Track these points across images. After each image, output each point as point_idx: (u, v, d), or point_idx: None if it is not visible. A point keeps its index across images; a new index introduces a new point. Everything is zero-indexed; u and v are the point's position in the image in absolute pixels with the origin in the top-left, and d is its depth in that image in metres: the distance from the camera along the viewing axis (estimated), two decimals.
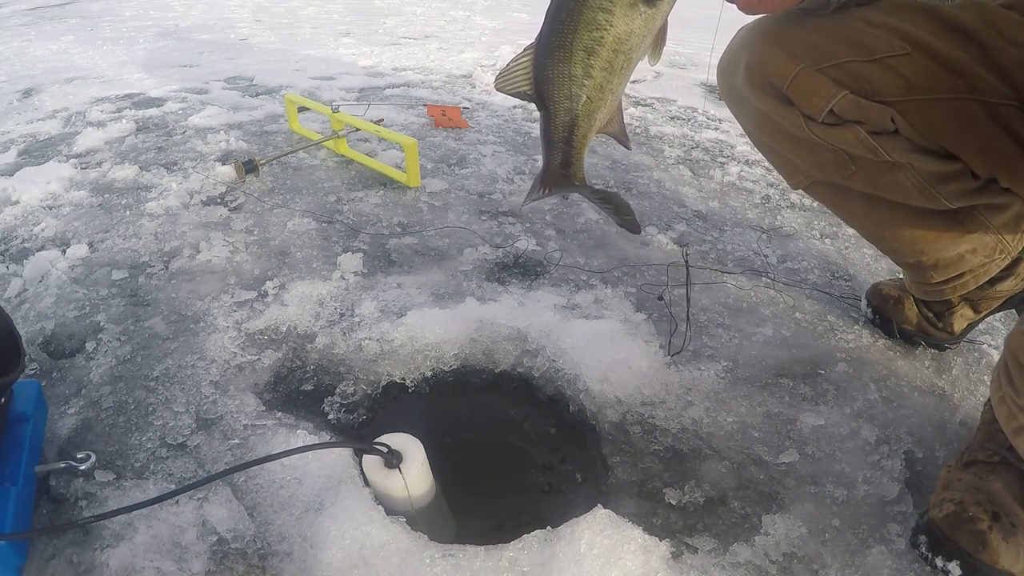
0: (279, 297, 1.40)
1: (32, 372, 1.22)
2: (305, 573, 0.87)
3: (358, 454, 1.00)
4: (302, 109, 2.28)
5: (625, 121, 0.91)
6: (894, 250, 1.22)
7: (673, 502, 1.00)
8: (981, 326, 1.34)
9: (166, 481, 0.99)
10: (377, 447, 0.94)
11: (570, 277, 1.50)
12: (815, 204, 1.89)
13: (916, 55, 0.92)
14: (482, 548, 0.88)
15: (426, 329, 1.29)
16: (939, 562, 0.89)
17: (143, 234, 1.64)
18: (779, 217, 1.84)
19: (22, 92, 2.88)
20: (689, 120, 2.64)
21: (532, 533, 0.89)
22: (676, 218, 1.80)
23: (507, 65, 0.84)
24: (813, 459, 1.07)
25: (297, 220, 1.70)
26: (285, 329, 1.31)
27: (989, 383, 1.07)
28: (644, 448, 1.09)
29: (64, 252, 1.56)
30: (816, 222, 1.82)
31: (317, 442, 1.02)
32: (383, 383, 1.24)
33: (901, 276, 1.36)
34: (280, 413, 1.12)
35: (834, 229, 1.78)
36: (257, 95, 2.75)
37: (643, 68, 2.27)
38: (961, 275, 1.17)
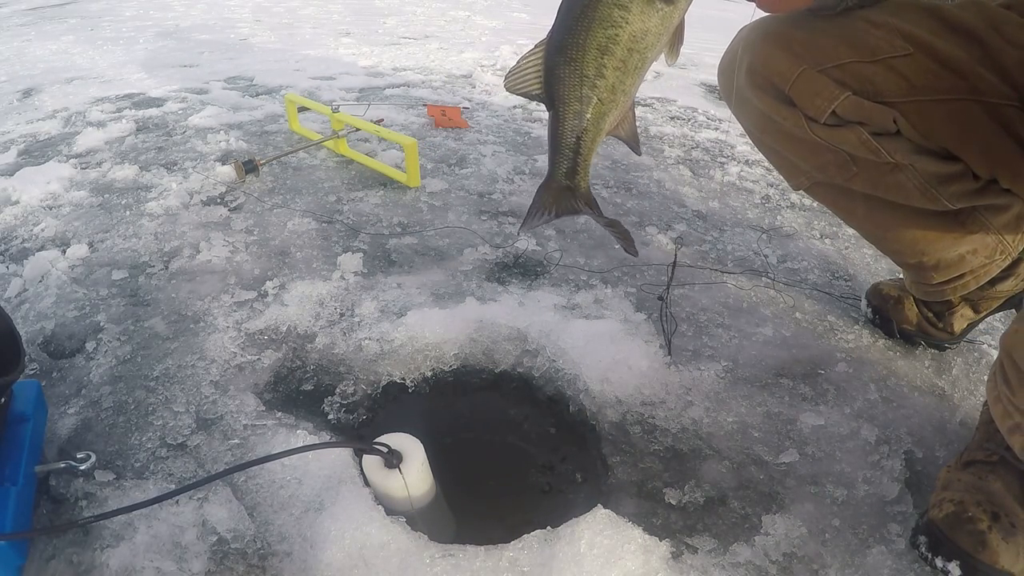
0: (279, 297, 1.40)
1: (32, 372, 1.22)
2: (305, 573, 0.87)
3: (358, 454, 1.00)
4: (302, 109, 2.28)
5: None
6: (895, 251, 1.22)
7: (673, 502, 1.00)
8: (981, 326, 1.34)
9: (166, 481, 0.99)
10: (377, 447, 0.94)
11: (570, 277, 1.50)
12: (815, 204, 1.89)
13: (918, 55, 0.92)
14: (482, 548, 0.88)
15: (426, 329, 1.29)
16: (939, 562, 0.89)
17: (143, 234, 1.64)
18: (779, 217, 1.84)
19: (22, 92, 2.88)
20: (689, 120, 2.64)
21: (532, 533, 0.89)
22: (676, 218, 1.80)
23: (517, 63, 0.81)
24: (813, 459, 1.07)
25: (297, 220, 1.70)
26: (285, 329, 1.31)
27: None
28: (644, 448, 1.09)
29: (64, 252, 1.56)
30: (816, 222, 1.82)
31: (317, 442, 1.02)
32: (383, 383, 1.24)
33: (901, 276, 1.36)
34: (280, 413, 1.12)
35: (834, 229, 1.78)
36: (257, 95, 2.75)
37: None
38: (962, 276, 1.17)
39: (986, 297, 1.24)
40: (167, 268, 1.51)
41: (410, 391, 1.26)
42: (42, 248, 1.60)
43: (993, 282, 1.20)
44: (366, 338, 1.28)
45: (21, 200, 1.83)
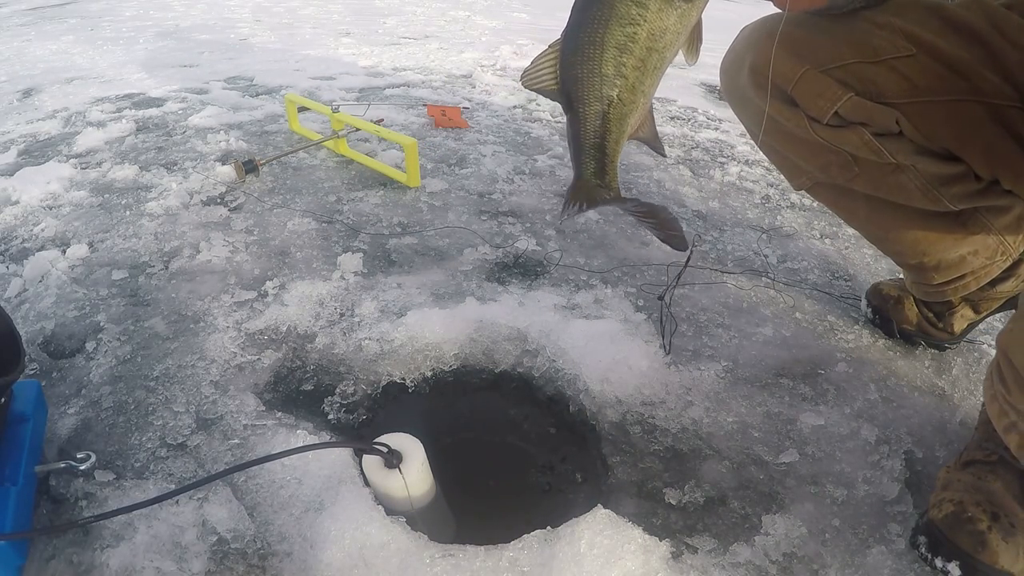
0: (279, 297, 1.40)
1: (32, 372, 1.22)
2: (305, 573, 0.87)
3: (358, 454, 1.00)
4: (302, 109, 2.28)
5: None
6: (896, 251, 1.22)
7: (673, 502, 1.00)
8: (981, 326, 1.34)
9: (166, 481, 0.99)
10: (377, 447, 0.94)
11: (570, 277, 1.50)
12: (815, 204, 1.89)
13: (921, 56, 0.92)
14: (482, 548, 0.88)
15: (426, 329, 1.29)
16: (939, 562, 0.89)
17: (143, 234, 1.64)
18: (779, 217, 1.84)
19: (22, 92, 2.88)
20: (689, 120, 2.64)
21: (532, 533, 0.89)
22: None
23: (533, 62, 0.79)
24: (813, 459, 1.07)
25: (297, 220, 1.70)
26: (285, 329, 1.31)
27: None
28: (644, 448, 1.09)
29: (64, 252, 1.56)
30: (816, 222, 1.82)
31: (317, 442, 1.02)
32: (383, 383, 1.24)
33: (901, 276, 1.36)
34: (280, 413, 1.12)
35: (834, 229, 1.78)
36: (257, 95, 2.75)
37: None
38: (963, 276, 1.17)
39: (987, 298, 1.24)
40: (167, 268, 1.51)
41: (410, 391, 1.26)
42: (42, 248, 1.60)
43: (994, 283, 1.20)
44: (366, 338, 1.28)
45: (21, 200, 1.83)
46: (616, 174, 0.83)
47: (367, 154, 2.08)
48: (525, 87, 0.80)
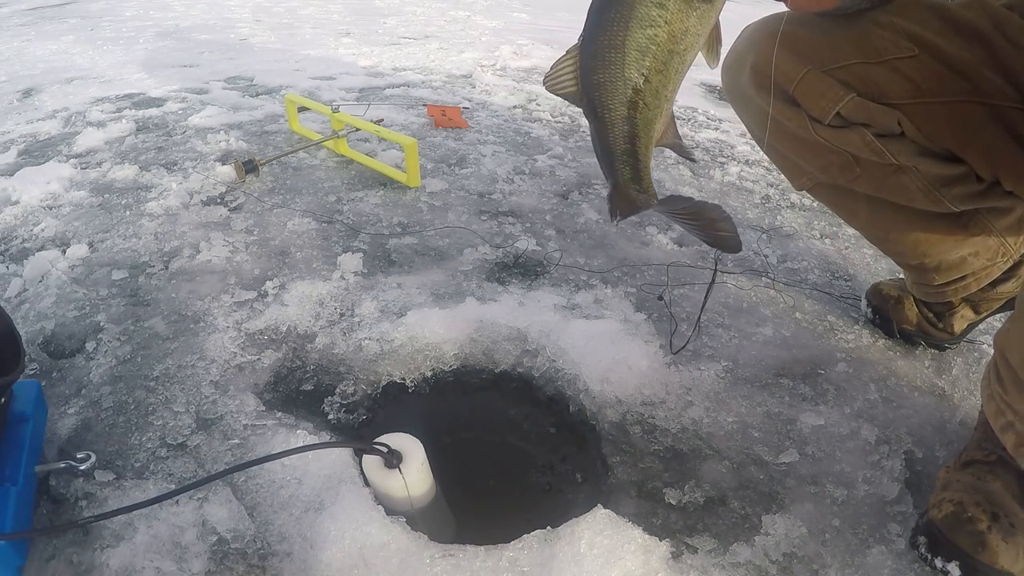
0: (279, 297, 1.40)
1: (32, 372, 1.22)
2: (305, 573, 0.87)
3: (358, 454, 1.00)
4: (302, 109, 2.28)
5: None
6: (897, 252, 1.22)
7: (673, 502, 1.00)
8: (981, 326, 1.34)
9: (166, 481, 0.99)
10: (377, 447, 0.94)
11: (570, 277, 1.50)
12: (815, 204, 1.89)
13: (923, 57, 0.92)
14: (482, 548, 0.88)
15: (426, 329, 1.29)
16: (938, 563, 0.89)
17: (143, 234, 1.64)
18: (779, 217, 1.84)
19: (22, 92, 2.88)
20: (689, 120, 2.64)
21: (532, 533, 0.89)
22: None
23: (552, 67, 0.77)
24: (813, 459, 1.07)
25: (297, 220, 1.70)
26: (285, 329, 1.31)
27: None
28: (644, 448, 1.09)
29: (64, 252, 1.56)
30: (816, 222, 1.82)
31: (317, 442, 1.02)
32: (383, 383, 1.24)
33: (901, 276, 1.36)
34: (280, 413, 1.12)
35: (834, 229, 1.78)
36: (257, 95, 2.75)
37: None
38: (963, 277, 1.17)
39: (987, 298, 1.24)
40: (167, 268, 1.51)
41: (410, 391, 1.26)
42: (42, 248, 1.60)
43: (994, 284, 1.20)
44: (366, 338, 1.28)
45: (21, 200, 1.83)
46: (651, 180, 0.81)
47: (367, 154, 2.08)
48: (548, 91, 0.78)
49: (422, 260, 1.56)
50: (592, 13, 0.72)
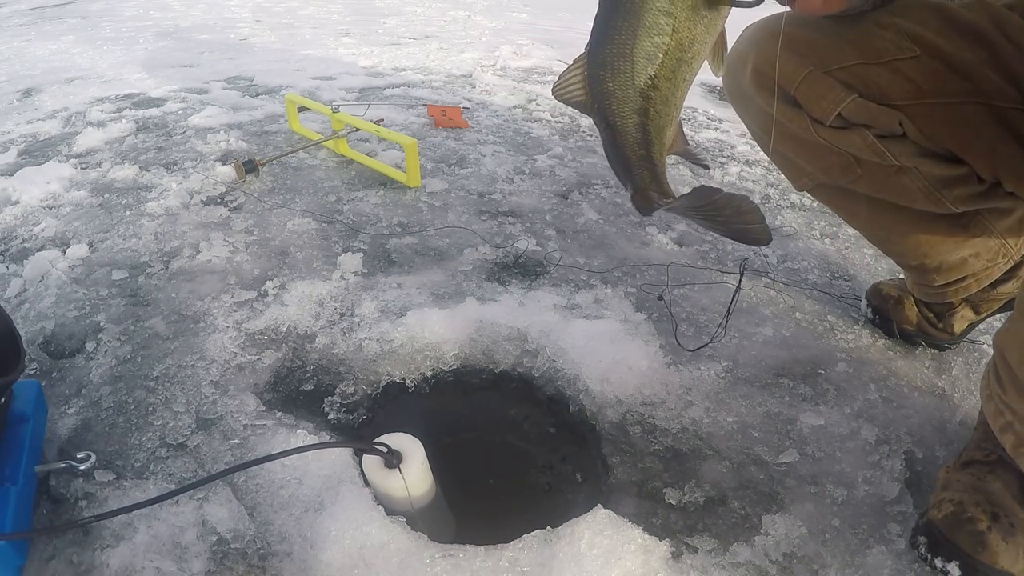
0: (279, 297, 1.40)
1: (32, 372, 1.22)
2: (305, 573, 0.87)
3: (358, 454, 1.00)
4: (302, 109, 2.28)
5: None
6: (897, 252, 1.22)
7: (673, 502, 1.00)
8: (981, 326, 1.34)
9: (166, 481, 0.99)
10: (377, 447, 0.94)
11: (570, 277, 1.50)
12: (815, 204, 1.89)
13: (925, 58, 0.92)
14: (482, 548, 0.88)
15: (426, 329, 1.29)
16: (938, 563, 0.89)
17: (143, 234, 1.64)
18: (779, 217, 1.84)
19: (22, 92, 2.88)
20: (689, 120, 2.64)
21: (532, 533, 0.89)
22: (676, 218, 1.79)
23: (561, 76, 0.76)
24: (813, 459, 1.07)
25: (297, 220, 1.70)
26: (285, 329, 1.31)
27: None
28: (644, 448, 1.09)
29: (64, 252, 1.56)
30: (816, 222, 1.82)
31: (317, 442, 1.02)
32: (383, 383, 1.24)
33: (901, 276, 1.36)
34: (280, 413, 1.12)
35: (834, 229, 1.78)
36: (257, 95, 2.75)
37: None
38: (964, 278, 1.17)
39: (987, 299, 1.24)
40: (167, 268, 1.51)
41: (410, 391, 1.26)
42: (42, 248, 1.60)
43: (995, 284, 1.20)
44: (366, 338, 1.28)
45: (21, 200, 1.83)
46: (669, 186, 0.80)
47: (367, 154, 2.08)
48: (557, 100, 0.78)
49: (422, 260, 1.56)
50: (598, 22, 0.71)
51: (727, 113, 2.69)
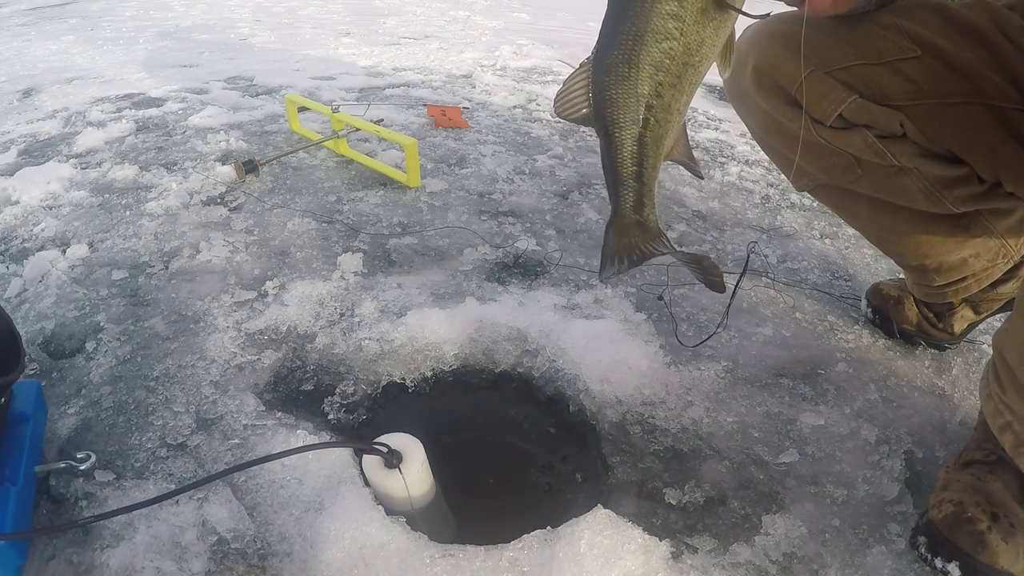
0: (279, 297, 1.40)
1: (32, 372, 1.22)
2: (305, 573, 0.87)
3: (358, 454, 1.00)
4: (302, 109, 2.28)
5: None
6: (898, 253, 1.22)
7: (673, 502, 1.00)
8: (981, 326, 1.34)
9: (166, 481, 0.99)
10: (377, 447, 0.94)
11: (570, 277, 1.50)
12: (815, 204, 1.89)
13: (926, 58, 0.92)
14: (482, 548, 0.88)
15: (426, 329, 1.29)
16: (938, 563, 0.89)
17: (143, 234, 1.64)
18: (779, 217, 1.84)
19: (22, 92, 2.88)
20: (689, 120, 2.64)
21: (532, 533, 0.89)
22: (676, 218, 1.80)
23: (564, 87, 0.74)
24: (813, 459, 1.07)
25: (297, 220, 1.70)
26: (285, 329, 1.31)
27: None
28: (644, 448, 1.09)
29: (64, 252, 1.56)
30: (816, 222, 1.82)
31: (317, 442, 1.02)
32: (383, 383, 1.24)
33: (901, 276, 1.36)
34: (280, 413, 1.12)
35: (834, 229, 1.78)
36: (257, 95, 2.75)
37: None
38: (964, 279, 1.17)
39: (987, 299, 1.24)
40: (167, 268, 1.51)
41: (410, 391, 1.26)
42: (42, 248, 1.60)
43: (994, 285, 1.20)
44: (366, 338, 1.28)
45: (21, 200, 1.83)
46: (654, 205, 0.80)
47: (367, 154, 2.08)
48: (559, 116, 0.76)
49: (422, 260, 1.56)
50: (605, 26, 0.70)
51: (727, 113, 2.69)
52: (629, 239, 0.83)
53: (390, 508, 0.94)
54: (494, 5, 5.34)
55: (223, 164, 2.00)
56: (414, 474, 0.95)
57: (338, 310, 1.37)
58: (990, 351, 1.33)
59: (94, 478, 0.98)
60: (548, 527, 0.90)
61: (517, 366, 1.27)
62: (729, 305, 1.17)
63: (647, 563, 0.87)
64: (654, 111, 0.71)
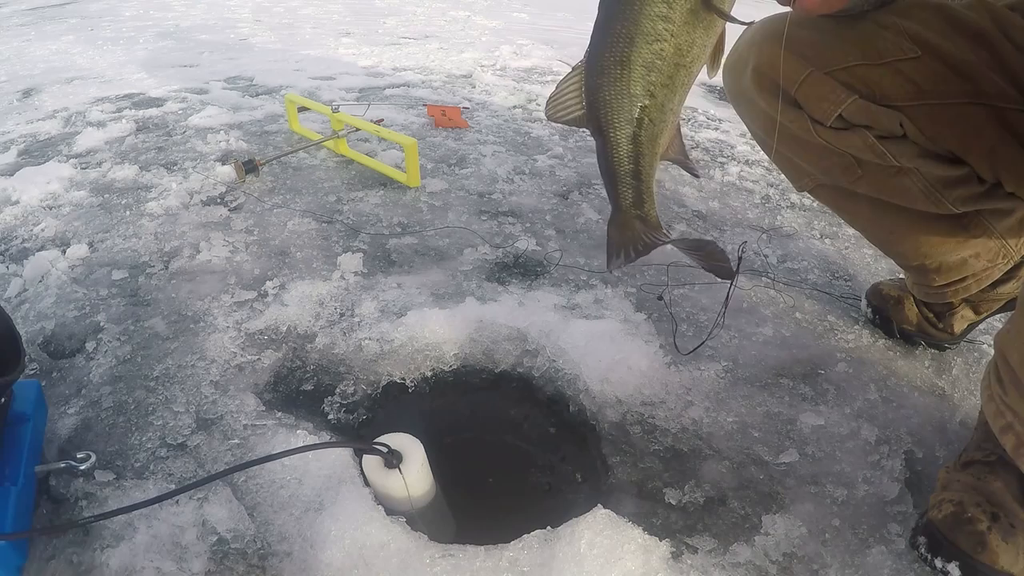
0: (279, 297, 1.40)
1: (32, 372, 1.22)
2: (305, 573, 0.87)
3: (358, 454, 1.00)
4: (302, 109, 2.28)
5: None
6: (898, 253, 1.22)
7: (673, 502, 1.00)
8: (982, 326, 1.34)
9: (166, 481, 0.99)
10: (377, 447, 0.94)
11: (570, 277, 1.50)
12: (815, 204, 1.89)
13: (926, 58, 0.92)
14: (482, 548, 0.88)
15: (426, 329, 1.29)
16: (938, 563, 0.89)
17: (143, 234, 1.64)
18: (779, 217, 1.84)
19: (22, 92, 2.87)
20: (689, 120, 2.64)
21: (532, 533, 0.89)
22: (676, 218, 1.80)
23: (556, 89, 0.75)
24: (813, 459, 1.07)
25: (297, 220, 1.70)
26: (285, 329, 1.31)
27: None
28: (644, 448, 1.09)
29: (64, 252, 1.56)
30: (816, 222, 1.82)
31: (317, 442, 1.02)
32: (383, 383, 1.24)
33: (901, 276, 1.36)
34: (280, 413, 1.12)
35: (834, 229, 1.78)
36: (257, 95, 2.75)
37: None
38: (964, 279, 1.17)
39: (987, 299, 1.24)
40: (167, 268, 1.51)
41: (410, 391, 1.26)
42: (42, 248, 1.60)
43: (995, 285, 1.20)
44: (366, 338, 1.28)
45: (21, 200, 1.83)
46: (653, 201, 0.81)
47: (367, 154, 2.08)
48: (550, 119, 0.77)
49: (422, 260, 1.56)
50: (597, 29, 0.70)
51: (727, 113, 2.68)
52: (632, 231, 0.84)
53: (390, 508, 0.94)
54: (494, 5, 5.34)
55: (223, 164, 2.00)
56: (414, 474, 0.95)
57: (338, 310, 1.37)
58: (990, 351, 1.33)
59: (94, 478, 0.98)
60: (548, 527, 0.90)
61: (517, 366, 1.27)
62: (723, 310, 1.17)
63: (647, 563, 0.87)
64: (648, 111, 0.72)
